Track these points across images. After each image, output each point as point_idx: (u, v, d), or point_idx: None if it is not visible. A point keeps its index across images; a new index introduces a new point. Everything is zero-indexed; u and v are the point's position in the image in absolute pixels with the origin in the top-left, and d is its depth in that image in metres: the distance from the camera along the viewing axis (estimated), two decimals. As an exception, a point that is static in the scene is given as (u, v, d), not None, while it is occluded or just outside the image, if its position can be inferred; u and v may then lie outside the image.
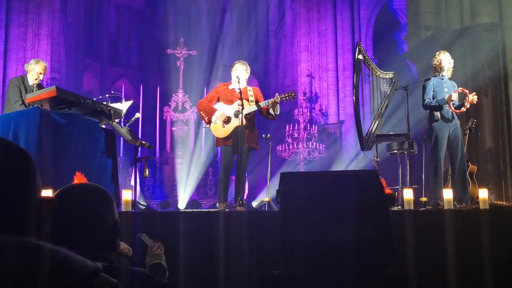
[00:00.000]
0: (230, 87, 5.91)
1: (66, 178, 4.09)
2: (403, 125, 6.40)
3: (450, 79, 6.11)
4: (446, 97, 5.76)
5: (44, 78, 6.10)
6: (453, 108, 5.78)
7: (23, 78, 5.92)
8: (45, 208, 0.91)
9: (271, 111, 5.71)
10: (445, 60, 6.02)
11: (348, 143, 13.95)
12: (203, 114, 5.89)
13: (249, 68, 6.00)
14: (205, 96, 6.60)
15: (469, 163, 6.39)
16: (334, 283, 3.23)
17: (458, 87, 6.02)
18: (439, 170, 5.84)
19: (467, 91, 5.81)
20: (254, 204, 9.92)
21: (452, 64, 6.09)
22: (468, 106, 5.80)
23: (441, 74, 6.01)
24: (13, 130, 4.69)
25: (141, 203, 6.35)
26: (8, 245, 0.76)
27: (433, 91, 5.93)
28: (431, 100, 5.88)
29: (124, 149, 13.02)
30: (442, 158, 5.87)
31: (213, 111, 5.78)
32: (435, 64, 6.07)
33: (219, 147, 6.09)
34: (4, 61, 12.81)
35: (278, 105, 5.73)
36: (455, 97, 5.76)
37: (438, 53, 6.13)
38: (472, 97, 5.75)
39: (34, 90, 5.74)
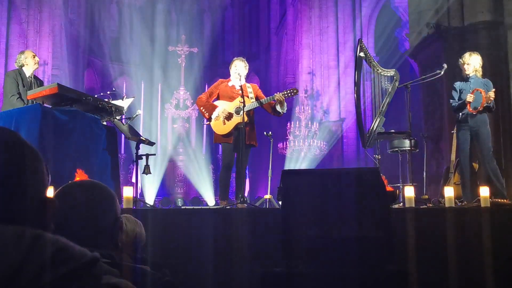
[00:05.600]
0: (230, 84, 5.88)
1: (67, 175, 4.09)
2: (404, 123, 6.39)
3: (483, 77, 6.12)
4: (465, 99, 5.83)
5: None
6: (471, 109, 5.82)
7: (20, 71, 5.92)
8: (48, 206, 0.90)
9: (278, 109, 5.68)
10: (469, 63, 6.03)
11: (349, 140, 13.96)
12: (203, 110, 5.82)
13: (247, 64, 5.97)
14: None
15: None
16: (335, 281, 3.23)
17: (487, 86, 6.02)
18: (463, 170, 5.95)
19: (481, 90, 5.80)
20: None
21: (478, 65, 6.06)
22: (484, 106, 5.79)
23: (467, 76, 6.06)
24: (14, 127, 4.68)
25: (145, 202, 6.35)
26: (6, 234, 0.76)
27: (460, 93, 6.01)
28: (456, 102, 5.99)
29: (125, 146, 13.03)
30: (465, 158, 5.96)
31: (213, 107, 5.74)
32: (460, 66, 6.13)
33: (217, 144, 6.07)
34: (5, 58, 12.80)
35: (285, 102, 5.71)
36: (470, 98, 5.80)
37: (463, 55, 6.17)
38: (488, 95, 5.77)
39: (32, 82, 5.76)
